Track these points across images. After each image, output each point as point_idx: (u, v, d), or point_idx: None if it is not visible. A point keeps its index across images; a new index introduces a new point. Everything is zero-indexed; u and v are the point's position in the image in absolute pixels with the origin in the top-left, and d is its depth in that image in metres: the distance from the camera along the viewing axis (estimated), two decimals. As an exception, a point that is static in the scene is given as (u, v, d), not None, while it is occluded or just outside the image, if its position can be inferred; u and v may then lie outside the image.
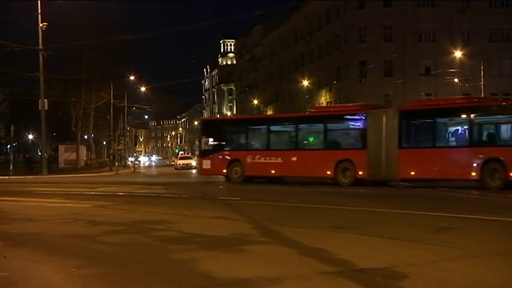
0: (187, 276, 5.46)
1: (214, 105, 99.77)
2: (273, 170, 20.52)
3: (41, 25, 25.08)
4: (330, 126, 19.74)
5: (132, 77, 47.80)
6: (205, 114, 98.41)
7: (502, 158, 15.72)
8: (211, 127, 22.54)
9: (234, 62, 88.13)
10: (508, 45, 46.60)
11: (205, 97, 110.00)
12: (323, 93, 54.52)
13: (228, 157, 21.35)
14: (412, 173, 17.46)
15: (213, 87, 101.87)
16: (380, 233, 7.99)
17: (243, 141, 22.18)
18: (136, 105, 58.50)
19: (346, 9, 48.65)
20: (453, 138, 17.79)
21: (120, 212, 11.68)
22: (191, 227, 8.99)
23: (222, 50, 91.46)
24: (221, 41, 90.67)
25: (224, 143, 22.12)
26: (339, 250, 6.59)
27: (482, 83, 38.55)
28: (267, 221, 9.43)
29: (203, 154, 21.43)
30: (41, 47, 25.58)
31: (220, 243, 7.36)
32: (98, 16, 42.11)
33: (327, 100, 53.80)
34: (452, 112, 17.85)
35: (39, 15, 24.96)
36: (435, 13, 46.77)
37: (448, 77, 43.02)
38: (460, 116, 17.51)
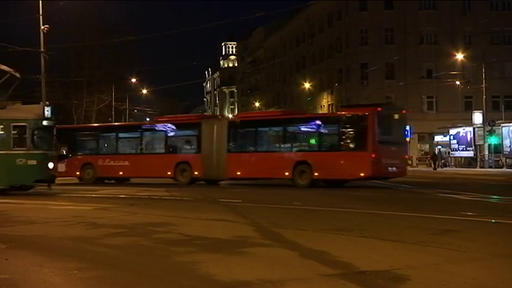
0: (188, 278, 5.44)
1: (215, 108, 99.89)
2: (121, 171, 23.53)
3: (42, 27, 25.21)
4: (170, 133, 22.87)
5: (133, 80, 47.87)
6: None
7: (309, 161, 19.13)
8: (65, 134, 23.55)
9: (236, 65, 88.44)
10: (509, 48, 46.62)
11: (207, 99, 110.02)
12: (325, 95, 54.61)
13: (81, 161, 24.15)
14: (239, 173, 20.91)
15: (215, 89, 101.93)
16: (382, 235, 7.97)
17: (94, 146, 24.97)
18: (138, 108, 58.53)
19: (347, 12, 48.86)
20: (270, 144, 21.47)
21: (122, 214, 11.66)
22: (192, 230, 8.95)
23: (223, 53, 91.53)
24: (223, 44, 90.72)
25: (77, 148, 24.96)
26: (341, 252, 6.57)
27: (483, 85, 38.52)
28: (269, 224, 9.44)
29: (59, 158, 22.52)
30: (42, 49, 25.62)
31: (221, 246, 7.33)
32: (99, 18, 42.35)
33: (329, 102, 53.85)
34: (269, 123, 21.81)
35: (41, 17, 24.92)
36: (437, 16, 46.83)
37: (449, 80, 43.00)
38: (275, 126, 21.37)
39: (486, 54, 40.82)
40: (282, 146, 20.94)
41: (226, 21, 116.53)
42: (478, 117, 38.99)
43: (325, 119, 21.62)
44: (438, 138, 45.08)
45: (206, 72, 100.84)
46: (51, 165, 16.77)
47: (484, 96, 38.81)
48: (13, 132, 16.76)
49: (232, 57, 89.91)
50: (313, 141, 20.46)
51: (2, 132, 16.85)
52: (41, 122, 16.82)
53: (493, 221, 9.59)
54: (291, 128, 20.74)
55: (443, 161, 41.47)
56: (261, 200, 14.73)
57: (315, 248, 7.00)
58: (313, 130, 20.17)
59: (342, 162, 18.71)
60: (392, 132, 19.59)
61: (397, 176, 19.79)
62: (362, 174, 18.45)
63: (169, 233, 8.61)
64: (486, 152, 37.81)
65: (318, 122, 20.23)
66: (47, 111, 17.07)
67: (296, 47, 61.40)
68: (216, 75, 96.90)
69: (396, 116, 19.77)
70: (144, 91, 52.99)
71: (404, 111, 20.49)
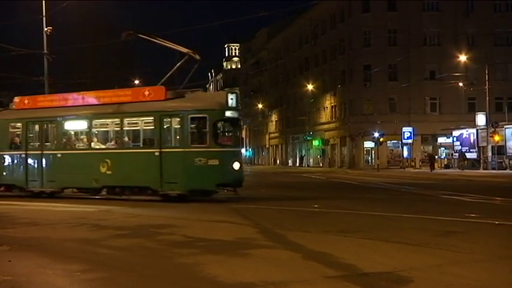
0: (191, 280, 5.47)
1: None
2: None
3: (45, 29, 25.49)
4: None
5: (136, 81, 47.82)
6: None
7: None
8: None
9: (239, 66, 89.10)
10: (513, 49, 46.58)
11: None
12: (327, 97, 54.69)
13: None
14: None
15: (218, 91, 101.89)
16: (385, 237, 7.98)
17: None
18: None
19: (350, 13, 48.91)
20: None
21: (125, 216, 11.76)
22: (195, 231, 9.02)
23: (226, 54, 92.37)
24: (226, 45, 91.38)
25: None
26: (344, 254, 6.59)
27: (487, 87, 38.47)
28: (272, 225, 9.46)
29: None
30: (45, 51, 25.83)
31: (224, 247, 7.36)
32: (102, 19, 42.60)
33: (332, 104, 53.95)
34: None
35: (44, 18, 25.10)
36: (439, 17, 46.81)
37: (452, 81, 42.96)
38: None
39: (489, 56, 40.73)
40: None
41: (228, 21, 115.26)
42: (481, 119, 38.90)
43: None
44: (441, 139, 45.02)
45: (209, 73, 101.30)
46: (236, 165, 13.90)
47: (487, 98, 38.75)
48: (191, 125, 13.86)
49: (235, 59, 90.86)
50: None
51: (178, 126, 14.14)
52: (224, 113, 13.91)
53: (496, 222, 9.65)
54: None
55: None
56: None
57: (318, 249, 7.03)
58: None
59: None
60: None
61: None
62: None
63: (172, 235, 8.65)
64: (489, 154, 37.73)
65: None
66: (231, 100, 13.95)
67: (299, 48, 61.63)
68: (219, 76, 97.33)
69: None
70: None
71: None
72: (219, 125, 14.16)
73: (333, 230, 8.77)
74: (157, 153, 14.00)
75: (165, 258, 6.74)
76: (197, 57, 15.50)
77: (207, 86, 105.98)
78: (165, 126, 14.36)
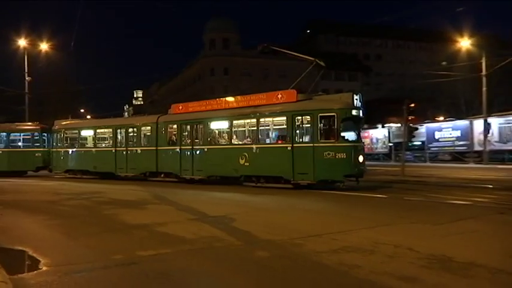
0: (111, 222, 8.69)
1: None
2: None
3: (27, 79, 34.35)
4: None
5: (82, 110, 60.29)
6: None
7: None
8: None
9: (142, 103, 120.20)
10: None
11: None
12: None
13: None
14: None
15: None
16: (221, 197, 12.18)
17: None
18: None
19: (201, 77, 67.36)
20: None
21: (73, 187, 16.38)
22: (116, 195, 12.97)
23: (135, 95, 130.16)
24: (134, 90, 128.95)
25: None
26: (201, 206, 10.32)
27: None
28: (159, 192, 13.67)
29: None
30: (26, 91, 34.85)
31: (131, 204, 11.10)
32: (60, 71, 54.10)
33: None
34: None
35: (26, 73, 34.36)
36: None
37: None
38: None
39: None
40: None
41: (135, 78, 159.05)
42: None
43: None
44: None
45: (125, 106, 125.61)
46: (361, 158, 14.44)
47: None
48: (320, 123, 14.44)
49: (140, 98, 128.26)
50: None
51: (308, 124, 14.73)
52: (351, 112, 14.39)
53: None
54: None
55: None
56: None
57: (185, 204, 10.78)
58: None
59: None
60: None
61: None
62: None
63: (101, 198, 12.51)
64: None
65: None
66: (356, 100, 14.60)
67: (176, 94, 77.11)
68: (130, 108, 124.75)
69: None
70: (88, 116, 58.35)
71: None
72: (346, 122, 14.33)
73: (198, 193, 13.00)
74: (289, 148, 14.83)
75: (96, 211, 10.18)
76: (322, 63, 16.48)
77: (124, 114, 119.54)
78: (296, 124, 14.93)
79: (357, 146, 14.43)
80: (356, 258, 5.56)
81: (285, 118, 15.13)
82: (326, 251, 5.99)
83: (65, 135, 24.06)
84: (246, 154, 15.90)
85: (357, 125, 14.79)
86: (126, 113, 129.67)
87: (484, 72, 31.06)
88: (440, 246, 6.18)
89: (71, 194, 13.84)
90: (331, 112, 14.25)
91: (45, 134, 25.77)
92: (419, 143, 34.31)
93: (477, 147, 31.20)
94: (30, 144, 25.99)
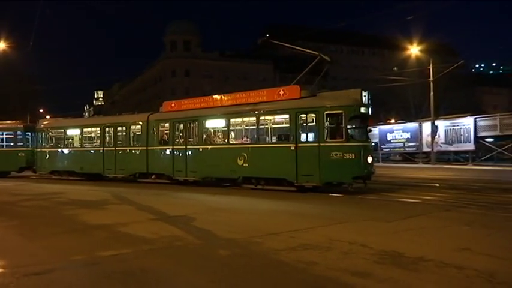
0: (71, 223, 8.52)
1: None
2: None
3: None
4: None
5: (41, 110, 58.48)
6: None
7: None
8: None
9: (102, 103, 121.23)
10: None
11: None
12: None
13: None
14: None
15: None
16: (179, 201, 12.15)
17: None
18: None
19: (162, 79, 66.82)
20: None
21: (32, 187, 15.98)
22: (75, 195, 12.64)
23: (95, 96, 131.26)
24: (95, 91, 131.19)
25: None
26: (160, 206, 10.28)
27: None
28: (118, 193, 13.41)
29: None
30: None
31: (92, 205, 10.83)
32: (16, 69, 51.61)
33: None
34: None
35: None
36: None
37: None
38: None
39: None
40: None
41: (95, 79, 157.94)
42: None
43: None
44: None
45: (85, 107, 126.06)
46: (370, 159, 13.33)
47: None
48: (326, 121, 13.26)
49: (100, 99, 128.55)
50: None
51: (313, 123, 13.58)
52: (359, 109, 13.23)
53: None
54: None
55: None
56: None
57: (145, 204, 10.69)
58: None
59: None
60: None
61: None
62: None
63: (61, 198, 12.16)
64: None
65: None
66: (364, 97, 13.40)
67: (136, 95, 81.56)
68: (91, 109, 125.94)
69: None
70: (48, 117, 57.04)
71: None
72: (354, 120, 13.41)
73: (155, 194, 12.93)
74: (292, 148, 13.71)
75: (55, 211, 9.92)
76: (327, 58, 15.56)
77: (84, 114, 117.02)
78: (300, 122, 13.77)
79: (366, 145, 13.41)
80: (313, 255, 5.69)
81: (287, 116, 14.07)
82: (284, 248, 6.10)
83: (50, 134, 22.78)
84: (244, 154, 14.92)
85: (365, 123, 13.78)
86: (86, 114, 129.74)
87: (431, 77, 32.25)
88: (392, 242, 6.41)
89: (29, 195, 13.40)
90: (339, 109, 13.12)
91: (29, 133, 24.38)
92: (373, 144, 35.39)
93: (425, 149, 32.44)
94: (12, 143, 24.55)
